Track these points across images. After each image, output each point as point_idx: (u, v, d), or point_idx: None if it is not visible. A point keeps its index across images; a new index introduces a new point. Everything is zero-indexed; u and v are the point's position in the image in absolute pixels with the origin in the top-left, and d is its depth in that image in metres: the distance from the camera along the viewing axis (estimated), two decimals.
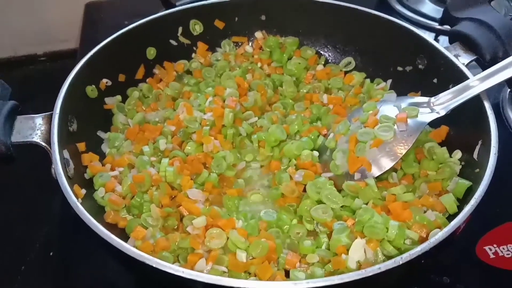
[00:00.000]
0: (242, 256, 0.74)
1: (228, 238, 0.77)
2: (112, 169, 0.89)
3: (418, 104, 0.87)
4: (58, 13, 1.60)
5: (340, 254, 0.74)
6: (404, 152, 0.83)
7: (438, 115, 0.85)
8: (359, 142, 0.86)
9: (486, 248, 0.88)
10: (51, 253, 0.95)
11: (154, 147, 0.93)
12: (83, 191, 0.80)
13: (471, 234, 0.87)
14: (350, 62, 1.12)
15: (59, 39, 1.67)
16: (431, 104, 0.87)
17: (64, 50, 1.70)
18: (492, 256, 0.87)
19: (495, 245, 0.88)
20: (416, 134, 0.83)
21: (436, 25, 1.36)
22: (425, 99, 0.88)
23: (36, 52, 1.71)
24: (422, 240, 0.75)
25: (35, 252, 1.01)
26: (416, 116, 0.85)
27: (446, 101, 0.85)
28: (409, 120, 0.84)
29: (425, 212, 0.79)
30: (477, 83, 0.82)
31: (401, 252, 0.74)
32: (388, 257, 0.74)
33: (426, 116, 0.85)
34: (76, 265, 0.89)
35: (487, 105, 0.81)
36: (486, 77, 0.82)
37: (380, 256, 0.74)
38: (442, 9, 1.28)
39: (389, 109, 0.89)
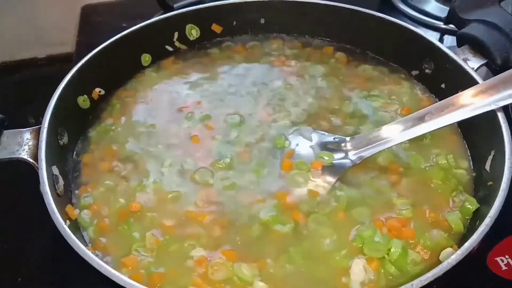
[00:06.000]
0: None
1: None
2: None
3: (334, 146, 0.85)
4: (54, 16, 1.57)
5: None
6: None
7: (352, 164, 0.82)
8: None
9: (498, 259, 0.84)
10: (48, 265, 0.92)
11: None
12: (77, 212, 0.77)
13: (481, 244, 0.84)
14: None
15: (56, 42, 1.65)
16: (347, 146, 0.84)
17: (62, 53, 1.68)
18: (504, 268, 0.83)
19: (507, 256, 0.84)
20: (333, 181, 0.81)
21: (441, 24, 1.32)
22: (342, 139, 0.86)
23: (33, 56, 1.68)
24: (426, 261, 0.72)
25: (32, 264, 0.99)
26: (331, 163, 0.83)
27: (360, 148, 0.83)
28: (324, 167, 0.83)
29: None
30: (394, 134, 0.81)
31: (403, 273, 0.70)
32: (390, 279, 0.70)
33: (342, 162, 0.83)
34: (73, 277, 0.86)
35: (500, 113, 0.77)
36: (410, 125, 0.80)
37: (383, 278, 0.70)
38: (447, 8, 1.26)
39: (303, 150, 0.86)
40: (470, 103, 0.76)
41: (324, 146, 0.86)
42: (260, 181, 0.82)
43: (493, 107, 0.74)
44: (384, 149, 0.81)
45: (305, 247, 0.74)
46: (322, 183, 0.81)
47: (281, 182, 0.82)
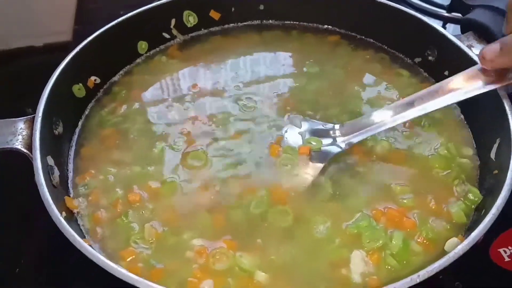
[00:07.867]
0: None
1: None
2: None
3: (323, 133, 0.85)
4: (51, 4, 1.54)
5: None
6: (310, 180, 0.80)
7: (340, 150, 0.82)
8: None
9: (501, 250, 0.82)
10: (46, 256, 0.91)
11: None
12: (75, 202, 0.76)
13: (484, 235, 0.83)
14: None
15: (53, 31, 1.61)
16: (336, 133, 0.84)
17: (59, 42, 1.65)
18: (507, 259, 0.81)
19: (510, 247, 0.82)
20: (321, 166, 0.81)
21: (443, 12, 1.30)
22: (331, 126, 0.86)
23: (30, 44, 1.65)
24: (426, 251, 0.71)
25: (30, 255, 0.98)
26: (319, 149, 0.83)
27: (349, 134, 0.83)
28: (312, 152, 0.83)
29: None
30: (383, 120, 0.80)
31: (403, 265, 0.70)
32: (390, 271, 0.69)
33: (331, 148, 0.83)
34: (72, 269, 0.84)
35: (505, 100, 0.75)
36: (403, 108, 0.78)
37: (383, 269, 0.69)
38: None
39: (293, 136, 0.86)
40: (460, 87, 0.75)
41: (313, 133, 0.86)
42: (251, 169, 0.82)
43: (482, 90, 0.73)
44: (373, 134, 0.81)
45: (303, 237, 0.73)
46: (310, 168, 0.81)
47: (270, 168, 0.82)
